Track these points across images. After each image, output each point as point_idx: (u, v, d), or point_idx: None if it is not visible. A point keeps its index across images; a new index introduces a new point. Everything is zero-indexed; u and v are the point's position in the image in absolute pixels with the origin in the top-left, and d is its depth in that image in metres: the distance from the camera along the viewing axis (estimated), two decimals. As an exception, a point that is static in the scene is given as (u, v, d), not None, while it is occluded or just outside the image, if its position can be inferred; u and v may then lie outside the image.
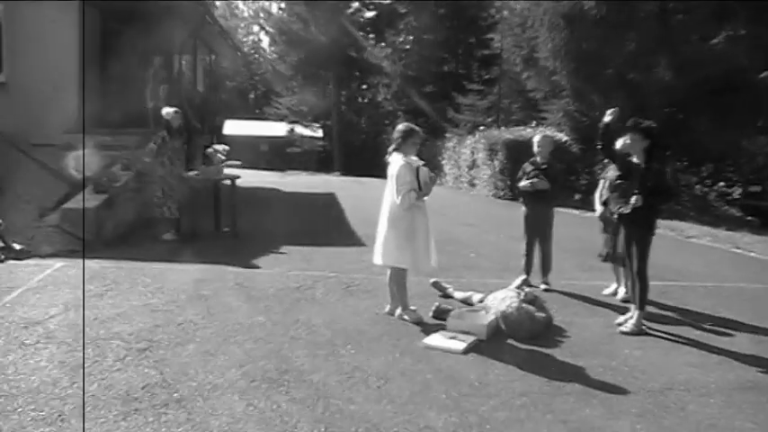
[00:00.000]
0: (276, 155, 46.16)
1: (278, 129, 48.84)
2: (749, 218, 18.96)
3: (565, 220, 12.40)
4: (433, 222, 6.65)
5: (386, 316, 6.69)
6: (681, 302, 7.81)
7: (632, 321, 6.52)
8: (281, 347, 5.60)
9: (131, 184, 11.09)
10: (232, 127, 51.46)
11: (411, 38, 42.69)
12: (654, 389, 5.05)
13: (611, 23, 18.33)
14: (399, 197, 6.36)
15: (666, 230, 13.94)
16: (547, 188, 7.86)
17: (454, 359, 5.50)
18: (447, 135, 29.72)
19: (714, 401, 4.87)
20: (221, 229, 11.06)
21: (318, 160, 46.72)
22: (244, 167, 40.74)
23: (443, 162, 28.60)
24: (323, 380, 4.91)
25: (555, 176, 7.97)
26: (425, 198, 6.61)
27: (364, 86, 47.64)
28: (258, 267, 8.65)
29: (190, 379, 4.79)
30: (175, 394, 4.51)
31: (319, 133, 48.24)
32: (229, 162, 11.35)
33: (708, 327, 6.92)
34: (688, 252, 12.23)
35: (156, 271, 8.05)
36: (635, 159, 6.50)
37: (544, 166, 8.02)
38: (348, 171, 38.26)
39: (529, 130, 18.74)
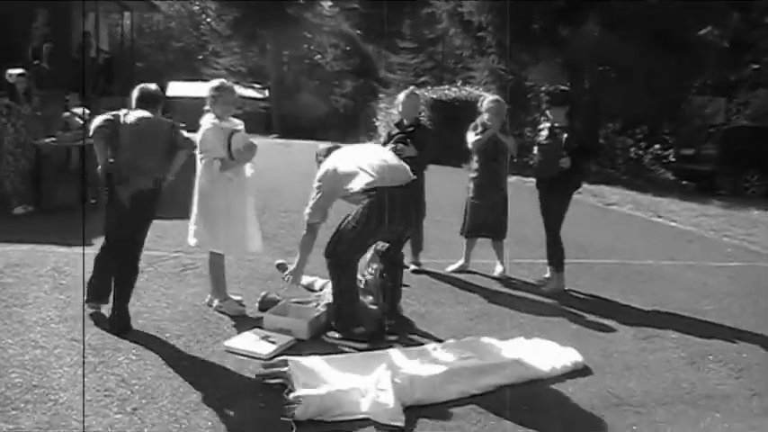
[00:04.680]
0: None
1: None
2: (684, 182, 18.18)
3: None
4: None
5: (205, 306, 5.64)
6: (572, 283, 6.91)
7: (554, 283, 6.70)
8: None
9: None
10: (178, 89, 49.48)
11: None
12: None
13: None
14: (201, 167, 5.32)
15: (588, 196, 13.02)
16: (414, 154, 6.69)
17: (258, 365, 4.53)
18: (380, 96, 28.56)
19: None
20: (88, 200, 9.91)
21: (264, 122, 45.11)
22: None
23: (377, 124, 27.49)
24: (67, 400, 3.95)
25: (424, 141, 6.85)
26: (250, 170, 5.55)
27: (307, 46, 45.86)
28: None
29: None
30: None
31: (265, 94, 46.32)
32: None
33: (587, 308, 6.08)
34: (603, 222, 11.32)
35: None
36: (557, 124, 6.63)
37: (410, 129, 6.92)
38: (287, 134, 36.69)
39: (454, 89, 17.63)
